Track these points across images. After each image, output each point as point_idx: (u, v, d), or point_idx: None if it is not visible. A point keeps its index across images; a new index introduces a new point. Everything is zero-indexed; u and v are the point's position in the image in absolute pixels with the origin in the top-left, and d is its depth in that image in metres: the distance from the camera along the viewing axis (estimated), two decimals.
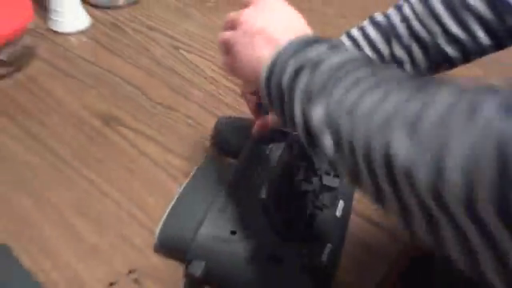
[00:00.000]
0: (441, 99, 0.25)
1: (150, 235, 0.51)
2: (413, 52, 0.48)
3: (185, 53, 0.75)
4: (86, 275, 0.47)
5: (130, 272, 0.48)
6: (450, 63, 0.49)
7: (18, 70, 0.70)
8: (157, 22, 0.81)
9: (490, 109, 0.23)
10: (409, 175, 0.25)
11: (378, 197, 0.29)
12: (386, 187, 0.27)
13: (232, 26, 0.41)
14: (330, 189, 0.52)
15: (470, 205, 0.22)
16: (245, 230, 0.47)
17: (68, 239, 0.50)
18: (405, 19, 0.48)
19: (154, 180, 0.56)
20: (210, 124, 0.63)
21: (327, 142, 0.30)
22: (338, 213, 0.50)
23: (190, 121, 0.64)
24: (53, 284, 0.46)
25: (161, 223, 0.49)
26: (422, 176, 0.24)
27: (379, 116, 0.27)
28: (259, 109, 0.52)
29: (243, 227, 0.47)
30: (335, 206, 0.50)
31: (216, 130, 0.60)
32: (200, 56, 0.74)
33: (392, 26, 0.49)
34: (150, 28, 0.79)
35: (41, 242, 0.50)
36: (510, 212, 0.21)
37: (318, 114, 0.31)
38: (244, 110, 0.66)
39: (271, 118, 0.51)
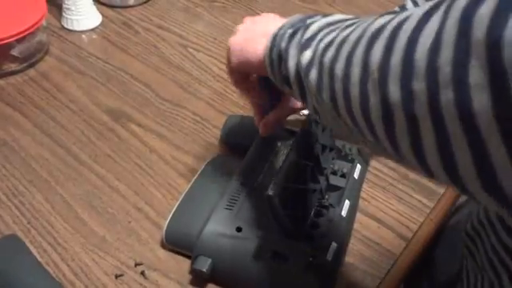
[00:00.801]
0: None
1: (156, 230, 0.51)
2: None
3: (193, 51, 0.76)
4: (93, 267, 0.48)
5: (137, 265, 0.48)
6: None
7: (31, 66, 0.71)
8: (166, 21, 0.82)
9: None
10: (382, 78, 0.25)
11: (352, 116, 0.29)
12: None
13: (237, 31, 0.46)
14: (336, 188, 0.53)
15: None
16: (251, 227, 0.47)
17: (76, 232, 0.51)
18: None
19: (162, 176, 0.57)
20: (217, 121, 0.64)
21: (313, 75, 0.32)
22: (344, 212, 0.51)
23: (197, 118, 0.65)
24: (61, 275, 0.47)
25: (168, 219, 0.50)
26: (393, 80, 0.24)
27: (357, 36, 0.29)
28: (262, 109, 0.53)
29: (249, 224, 0.48)
30: (341, 205, 0.51)
31: (225, 128, 0.61)
32: (208, 55, 0.75)
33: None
34: (160, 27, 0.80)
35: (50, 235, 0.51)
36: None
37: (307, 56, 0.33)
38: (251, 108, 0.66)
39: (273, 116, 0.51)
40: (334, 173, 0.54)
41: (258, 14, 0.87)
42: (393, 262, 0.50)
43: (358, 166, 0.56)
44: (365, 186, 0.57)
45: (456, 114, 0.22)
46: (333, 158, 0.55)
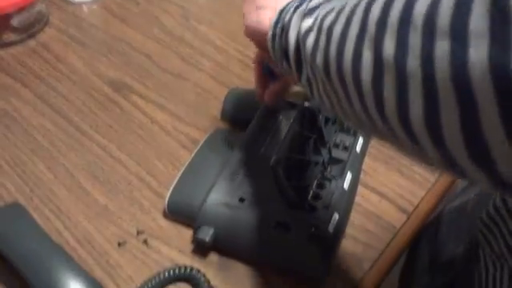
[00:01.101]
0: None
1: (158, 199, 0.52)
2: None
3: (195, 23, 0.75)
4: (95, 235, 0.48)
5: (139, 233, 0.49)
6: None
7: (31, 36, 0.70)
8: None
9: None
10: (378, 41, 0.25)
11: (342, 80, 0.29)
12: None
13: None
14: (338, 161, 0.53)
15: None
16: (253, 197, 0.48)
17: (79, 201, 0.51)
18: None
19: (163, 146, 0.57)
20: (219, 93, 0.63)
21: (311, 39, 0.32)
22: (346, 184, 0.51)
23: (199, 90, 0.64)
24: (64, 243, 0.47)
25: (170, 189, 0.50)
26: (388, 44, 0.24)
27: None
28: (267, 77, 0.52)
29: (252, 195, 0.48)
30: (343, 177, 0.51)
31: (227, 101, 0.61)
32: (210, 27, 0.74)
33: None
34: None
35: (53, 203, 0.51)
36: None
37: (307, 23, 0.33)
38: (253, 81, 0.66)
39: (276, 87, 0.51)
40: (337, 145, 0.54)
41: None
42: (393, 235, 0.51)
43: (360, 139, 0.55)
44: (366, 159, 0.57)
45: (449, 70, 0.21)
46: (335, 131, 0.55)
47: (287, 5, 0.38)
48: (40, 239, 0.45)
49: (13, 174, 0.53)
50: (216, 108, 0.62)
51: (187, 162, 0.53)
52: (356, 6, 0.28)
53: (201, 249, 0.48)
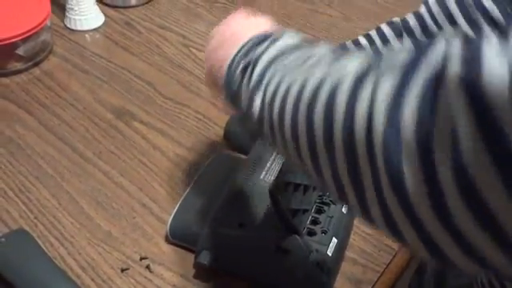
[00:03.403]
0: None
1: (161, 225, 0.53)
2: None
3: (195, 51, 0.77)
4: (99, 261, 0.49)
5: (142, 259, 0.50)
6: None
7: (35, 65, 0.72)
8: (168, 21, 0.83)
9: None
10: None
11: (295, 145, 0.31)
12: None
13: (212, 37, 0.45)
14: None
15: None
16: (253, 222, 0.48)
17: (82, 227, 0.52)
18: (419, 18, 0.50)
19: (165, 172, 0.58)
20: (218, 120, 0.65)
21: (266, 126, 0.34)
22: (344, 208, 0.52)
23: (200, 116, 0.66)
24: (68, 269, 0.48)
25: (172, 214, 0.51)
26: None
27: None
28: None
29: (251, 220, 0.49)
30: None
31: (228, 127, 0.62)
32: None
33: (405, 23, 0.51)
34: (162, 27, 0.81)
35: (57, 230, 0.52)
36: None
37: (257, 104, 0.35)
38: None
39: None
40: None
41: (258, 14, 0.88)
42: (391, 257, 0.51)
43: None
44: None
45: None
46: None
47: (235, 57, 0.38)
48: (45, 265, 0.45)
49: (17, 201, 0.54)
50: (217, 134, 0.63)
51: (188, 188, 0.54)
52: (297, 100, 0.30)
53: (202, 273, 0.49)
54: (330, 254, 0.47)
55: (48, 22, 0.73)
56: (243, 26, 0.41)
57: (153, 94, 0.69)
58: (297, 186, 0.49)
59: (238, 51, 0.38)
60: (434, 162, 0.20)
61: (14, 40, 0.68)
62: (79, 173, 0.58)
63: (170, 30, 0.81)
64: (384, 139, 0.22)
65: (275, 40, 0.37)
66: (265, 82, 0.34)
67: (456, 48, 0.21)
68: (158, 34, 0.80)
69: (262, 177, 0.53)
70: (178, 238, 0.51)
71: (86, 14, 0.78)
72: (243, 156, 0.57)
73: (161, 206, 0.55)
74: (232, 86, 0.38)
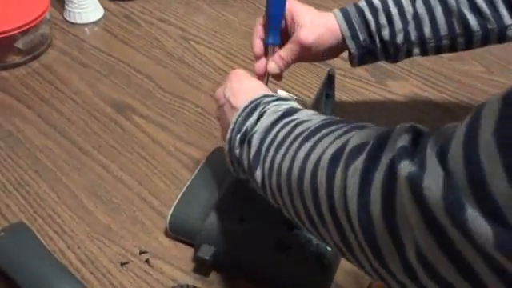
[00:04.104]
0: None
1: (160, 219, 0.52)
2: (435, 14, 0.49)
3: (195, 44, 0.76)
4: (98, 255, 0.49)
5: (142, 253, 0.49)
6: (469, 37, 0.49)
7: (34, 58, 0.72)
8: (167, 14, 0.82)
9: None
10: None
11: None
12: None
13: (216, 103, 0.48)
14: None
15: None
16: (254, 217, 0.48)
17: (82, 220, 0.52)
18: None
19: (165, 166, 0.58)
20: None
21: (268, 193, 0.39)
22: None
23: (199, 110, 0.66)
24: (67, 263, 0.48)
25: (172, 208, 0.51)
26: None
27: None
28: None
29: (252, 214, 0.49)
30: None
31: None
32: (209, 47, 0.76)
33: None
34: (161, 20, 0.81)
35: (56, 224, 0.52)
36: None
37: (258, 175, 0.39)
38: None
39: (282, 52, 0.51)
40: None
41: (259, 7, 0.89)
42: None
43: None
44: None
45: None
46: None
47: (231, 133, 0.41)
48: (44, 259, 0.45)
49: (16, 195, 0.54)
50: (216, 127, 0.63)
51: (188, 182, 0.54)
52: (288, 179, 0.34)
53: (202, 268, 0.48)
54: (329, 249, 0.47)
55: (47, 15, 0.72)
56: (235, 94, 0.44)
57: (152, 87, 0.69)
58: None
59: (233, 125, 0.41)
60: (403, 245, 0.25)
61: (12, 33, 0.68)
62: (79, 167, 0.58)
63: (169, 23, 0.80)
64: (359, 220, 0.27)
65: (263, 112, 0.40)
66: (261, 157, 0.38)
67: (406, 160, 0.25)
68: (157, 27, 0.79)
69: None
70: (178, 232, 0.51)
71: (86, 7, 0.78)
72: None
73: (160, 200, 0.55)
74: (234, 157, 0.42)
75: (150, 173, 0.57)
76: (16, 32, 0.68)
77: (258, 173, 0.38)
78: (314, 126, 0.36)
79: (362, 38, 0.50)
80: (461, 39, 0.50)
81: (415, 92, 0.71)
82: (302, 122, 0.37)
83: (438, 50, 0.52)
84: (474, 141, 0.22)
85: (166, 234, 0.51)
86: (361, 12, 0.50)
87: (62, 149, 0.60)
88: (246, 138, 0.40)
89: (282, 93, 0.68)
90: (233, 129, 0.41)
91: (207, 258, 0.47)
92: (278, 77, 0.54)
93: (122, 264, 0.48)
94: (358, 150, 0.29)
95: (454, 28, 0.49)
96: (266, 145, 0.38)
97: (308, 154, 0.33)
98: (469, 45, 0.51)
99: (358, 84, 0.71)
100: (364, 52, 0.52)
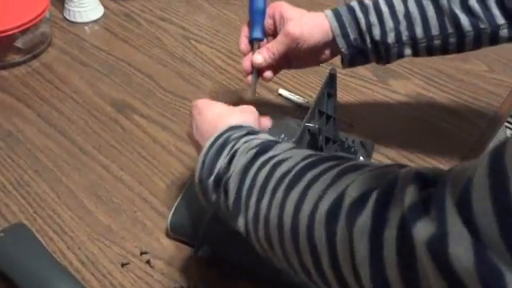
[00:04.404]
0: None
1: (161, 219, 0.52)
2: (427, 13, 0.48)
3: (195, 43, 0.76)
4: (99, 255, 0.49)
5: (142, 254, 0.49)
6: (460, 37, 0.48)
7: (34, 57, 0.71)
8: (168, 13, 0.82)
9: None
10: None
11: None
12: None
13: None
14: None
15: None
16: None
17: (82, 221, 0.52)
18: None
19: (166, 166, 0.58)
20: None
21: (253, 239, 0.35)
22: None
23: None
24: (67, 263, 0.48)
25: (173, 209, 0.51)
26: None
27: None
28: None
29: None
30: None
31: None
32: (210, 46, 0.75)
33: None
34: (162, 19, 0.81)
35: (56, 224, 0.51)
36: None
37: (241, 223, 0.35)
38: (253, 100, 0.67)
39: (272, 42, 0.51)
40: None
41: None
42: None
43: (361, 159, 0.56)
44: None
45: None
46: (336, 150, 0.56)
47: (201, 173, 0.38)
48: (44, 260, 0.45)
49: (16, 195, 0.54)
50: None
51: (189, 182, 0.53)
52: (274, 229, 0.32)
53: (202, 268, 0.48)
54: None
55: (47, 14, 0.72)
56: (202, 130, 0.41)
57: (153, 87, 0.68)
58: None
59: (201, 165, 0.38)
60: None
61: (12, 32, 0.67)
62: (79, 166, 0.57)
63: (170, 22, 0.80)
64: (374, 286, 0.24)
65: (234, 152, 0.36)
66: (242, 204, 0.34)
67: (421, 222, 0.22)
68: (157, 25, 0.79)
69: None
70: (179, 232, 0.50)
71: (86, 6, 0.77)
72: None
73: (161, 200, 0.54)
74: (209, 201, 0.38)
75: (150, 173, 0.57)
76: (16, 31, 0.67)
77: (241, 220, 0.35)
78: (296, 167, 0.32)
79: (352, 37, 0.50)
80: (452, 39, 0.49)
81: (417, 91, 0.70)
82: (280, 162, 0.34)
83: (430, 51, 0.51)
84: (504, 196, 0.18)
85: (167, 235, 0.51)
86: (352, 11, 0.50)
87: (62, 148, 0.59)
88: (222, 183, 0.36)
89: (283, 93, 0.67)
90: (201, 168, 0.37)
91: (207, 257, 0.46)
92: (267, 77, 0.53)
93: (123, 265, 0.48)
94: (358, 204, 0.26)
95: (446, 27, 0.48)
96: (245, 190, 0.34)
97: (299, 204, 0.30)
98: (461, 46, 0.50)
99: (360, 83, 0.70)
100: (355, 52, 0.51)
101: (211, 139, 0.38)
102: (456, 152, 0.62)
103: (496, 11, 0.47)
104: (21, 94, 0.66)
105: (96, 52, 0.73)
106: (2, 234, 0.46)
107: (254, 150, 0.35)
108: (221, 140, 0.38)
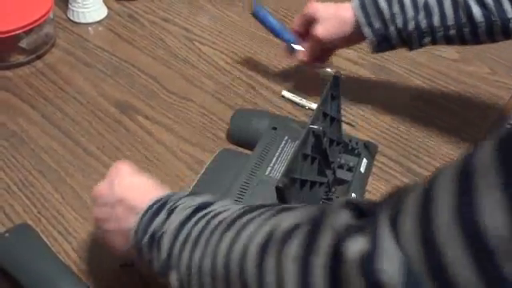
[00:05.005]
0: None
1: None
2: (444, 4, 0.53)
3: (199, 44, 0.76)
4: (103, 256, 0.49)
5: None
6: (473, 27, 0.52)
7: (38, 58, 0.71)
8: (171, 14, 0.82)
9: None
10: None
11: None
12: None
13: (95, 201, 0.42)
14: (342, 182, 0.54)
15: None
16: None
17: (86, 222, 0.52)
18: None
19: (169, 167, 0.58)
20: (223, 115, 0.64)
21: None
22: None
23: (204, 111, 0.65)
24: (72, 264, 0.48)
25: None
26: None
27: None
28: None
29: None
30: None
31: (232, 122, 0.62)
32: (213, 48, 0.76)
33: None
34: (165, 20, 0.81)
35: (60, 224, 0.51)
36: None
37: (174, 279, 0.34)
38: (256, 102, 0.67)
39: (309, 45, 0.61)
40: (341, 166, 0.55)
41: (264, 7, 0.88)
42: None
43: (364, 160, 0.56)
44: (370, 179, 0.57)
45: None
46: (340, 152, 0.56)
47: (137, 230, 0.36)
48: (49, 260, 0.45)
49: (21, 195, 0.54)
50: (221, 129, 0.63)
51: (193, 183, 0.53)
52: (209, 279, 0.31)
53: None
54: None
55: (51, 15, 0.72)
56: (130, 191, 0.39)
57: (157, 88, 0.68)
58: (303, 183, 0.48)
59: (137, 228, 0.36)
60: None
61: (16, 32, 0.67)
62: (83, 167, 0.57)
63: (173, 23, 0.80)
64: None
65: (172, 209, 0.35)
66: (175, 259, 0.34)
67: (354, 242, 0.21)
68: (161, 26, 0.79)
69: (267, 173, 0.53)
70: None
71: (89, 7, 0.78)
72: (248, 152, 0.57)
73: None
74: (144, 263, 0.37)
75: (154, 174, 0.57)
76: (20, 31, 0.68)
77: (174, 277, 0.34)
78: (233, 214, 0.32)
79: (376, 26, 0.55)
80: (466, 29, 0.53)
81: (420, 93, 0.71)
82: (218, 214, 0.33)
83: (448, 40, 0.55)
84: (428, 218, 0.19)
85: None
86: (375, 2, 0.55)
87: (66, 149, 0.59)
88: (155, 241, 0.35)
89: (286, 94, 0.68)
90: (136, 231, 0.36)
91: None
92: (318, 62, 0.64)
93: (127, 265, 0.48)
94: (290, 233, 0.25)
95: (460, 17, 0.52)
96: (178, 244, 0.33)
97: (232, 245, 0.29)
98: (476, 37, 0.53)
99: (363, 85, 0.71)
100: (380, 39, 0.56)
101: (150, 201, 0.37)
102: (459, 154, 0.62)
103: (507, 5, 0.50)
104: (25, 95, 0.66)
105: (100, 53, 0.74)
106: (7, 235, 0.46)
107: (193, 207, 0.35)
108: (161, 202, 0.37)
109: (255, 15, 0.67)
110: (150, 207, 0.37)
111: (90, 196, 0.54)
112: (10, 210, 0.52)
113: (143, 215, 0.36)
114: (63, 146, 0.60)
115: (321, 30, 0.57)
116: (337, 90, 0.54)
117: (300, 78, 0.71)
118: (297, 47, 0.63)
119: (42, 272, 0.44)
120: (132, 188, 0.39)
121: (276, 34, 0.65)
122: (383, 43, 0.57)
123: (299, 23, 0.61)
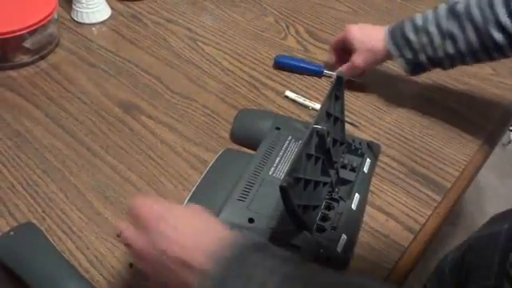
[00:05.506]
0: None
1: None
2: (467, 32, 0.56)
3: (202, 45, 0.76)
4: (107, 255, 0.49)
5: None
6: (498, 48, 0.56)
7: (42, 58, 0.72)
8: (175, 14, 0.82)
9: None
10: None
11: None
12: None
13: (138, 227, 0.37)
14: (346, 182, 0.54)
15: None
16: (263, 218, 0.48)
17: (90, 221, 0.52)
18: (468, 4, 0.56)
19: (173, 167, 0.58)
20: (227, 115, 0.64)
21: None
22: (354, 205, 0.52)
23: (207, 111, 0.65)
24: (76, 263, 0.48)
25: None
26: None
27: None
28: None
29: (261, 216, 0.48)
30: (351, 198, 0.52)
31: (236, 122, 0.62)
32: (217, 48, 0.76)
33: (455, 7, 0.57)
34: (169, 20, 0.81)
35: (65, 224, 0.52)
36: None
37: None
38: (260, 102, 0.67)
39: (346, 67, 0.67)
40: (344, 167, 0.55)
41: (266, 8, 0.88)
42: (400, 254, 0.51)
43: (368, 160, 0.56)
44: (373, 179, 0.57)
45: None
46: (343, 152, 0.56)
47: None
48: (54, 260, 0.45)
49: (25, 195, 0.54)
50: (224, 129, 0.63)
51: (197, 183, 0.54)
52: None
53: None
54: (339, 251, 0.47)
55: (55, 15, 0.72)
56: (194, 242, 0.34)
57: (160, 88, 0.69)
58: (307, 182, 0.48)
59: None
60: None
61: (21, 33, 0.68)
62: (87, 167, 0.58)
63: (176, 24, 0.80)
64: None
65: (248, 279, 0.31)
66: None
67: None
68: (164, 27, 0.79)
69: (271, 173, 0.53)
70: None
71: (93, 7, 0.78)
72: (252, 152, 0.57)
73: (168, 200, 0.54)
74: None
75: (158, 174, 0.57)
76: (24, 32, 0.68)
77: None
78: None
79: (408, 56, 0.61)
80: (492, 51, 0.56)
81: (423, 94, 0.71)
82: None
83: (477, 61, 0.58)
84: None
85: None
86: (403, 33, 0.60)
87: (70, 149, 0.60)
88: None
89: (290, 95, 0.68)
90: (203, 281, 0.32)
91: None
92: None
93: (131, 265, 0.48)
94: None
95: (484, 43, 0.56)
96: None
97: None
98: (503, 54, 0.56)
99: (367, 86, 0.71)
100: (413, 66, 0.61)
101: (215, 263, 0.32)
102: (462, 155, 0.62)
103: None
104: (29, 95, 0.66)
105: (103, 53, 0.74)
106: (12, 233, 0.47)
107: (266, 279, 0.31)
108: (234, 263, 0.32)
109: (279, 65, 0.72)
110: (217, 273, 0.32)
111: (94, 195, 0.54)
112: (14, 209, 0.53)
113: (212, 280, 0.32)
114: (67, 145, 0.60)
115: (359, 61, 0.65)
116: (340, 90, 0.54)
117: (305, 80, 0.71)
118: (327, 73, 0.71)
119: (46, 271, 0.44)
120: (188, 237, 0.34)
121: (306, 71, 0.71)
122: (416, 69, 0.62)
123: (337, 47, 0.69)
